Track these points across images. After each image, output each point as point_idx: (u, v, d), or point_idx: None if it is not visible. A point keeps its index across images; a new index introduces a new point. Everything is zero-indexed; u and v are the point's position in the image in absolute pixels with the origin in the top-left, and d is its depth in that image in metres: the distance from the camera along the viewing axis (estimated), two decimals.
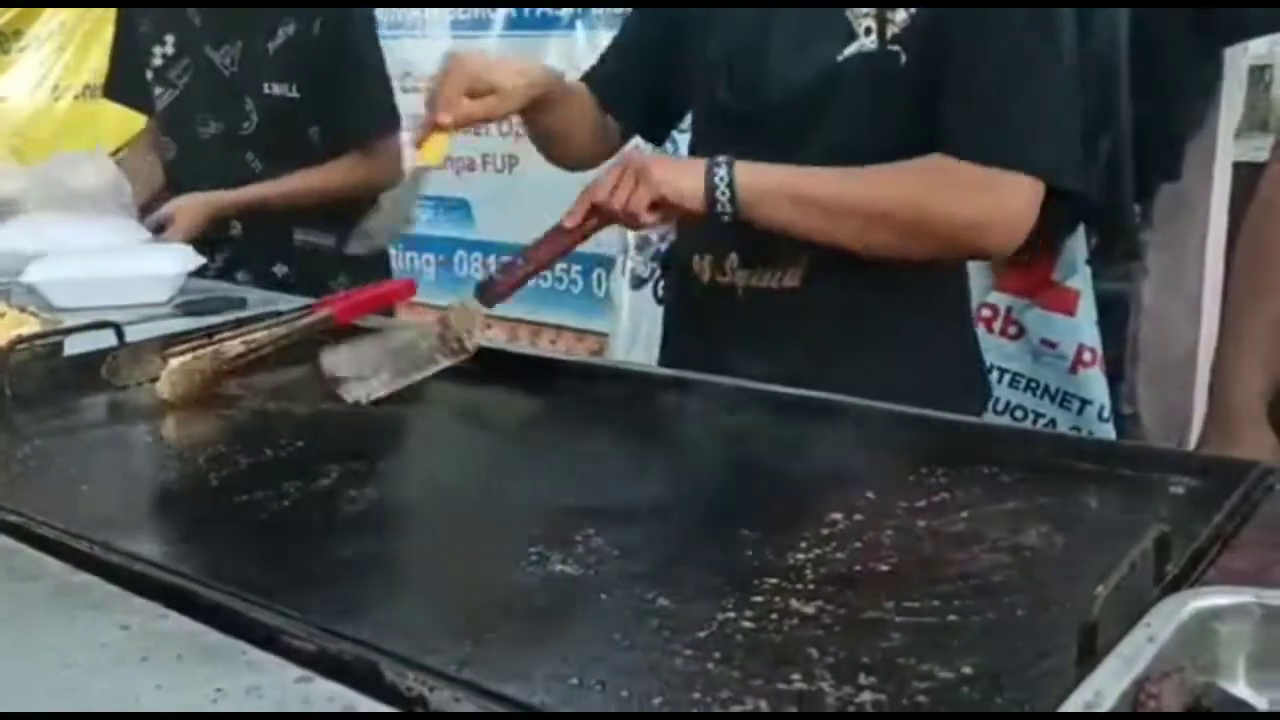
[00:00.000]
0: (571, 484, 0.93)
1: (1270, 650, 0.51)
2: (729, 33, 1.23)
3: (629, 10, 1.44)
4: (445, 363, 1.14)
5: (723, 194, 1.12)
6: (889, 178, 1.11)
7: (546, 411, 1.14)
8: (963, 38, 1.10)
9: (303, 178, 1.97)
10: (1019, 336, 1.88)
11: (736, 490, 0.90)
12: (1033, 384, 1.85)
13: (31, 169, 1.84)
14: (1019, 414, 1.87)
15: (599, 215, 1.15)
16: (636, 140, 1.47)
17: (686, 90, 1.33)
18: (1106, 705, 0.47)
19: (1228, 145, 1.71)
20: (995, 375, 1.82)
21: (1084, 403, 1.79)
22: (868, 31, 1.13)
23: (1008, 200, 1.10)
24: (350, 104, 1.98)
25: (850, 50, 1.13)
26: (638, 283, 2.52)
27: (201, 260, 1.63)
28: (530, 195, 2.74)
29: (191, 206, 1.91)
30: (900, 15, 1.12)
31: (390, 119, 2.03)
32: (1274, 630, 0.51)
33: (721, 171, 1.12)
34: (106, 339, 1.22)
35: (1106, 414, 1.77)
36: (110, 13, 3.70)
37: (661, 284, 2.53)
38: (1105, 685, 0.48)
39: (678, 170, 1.15)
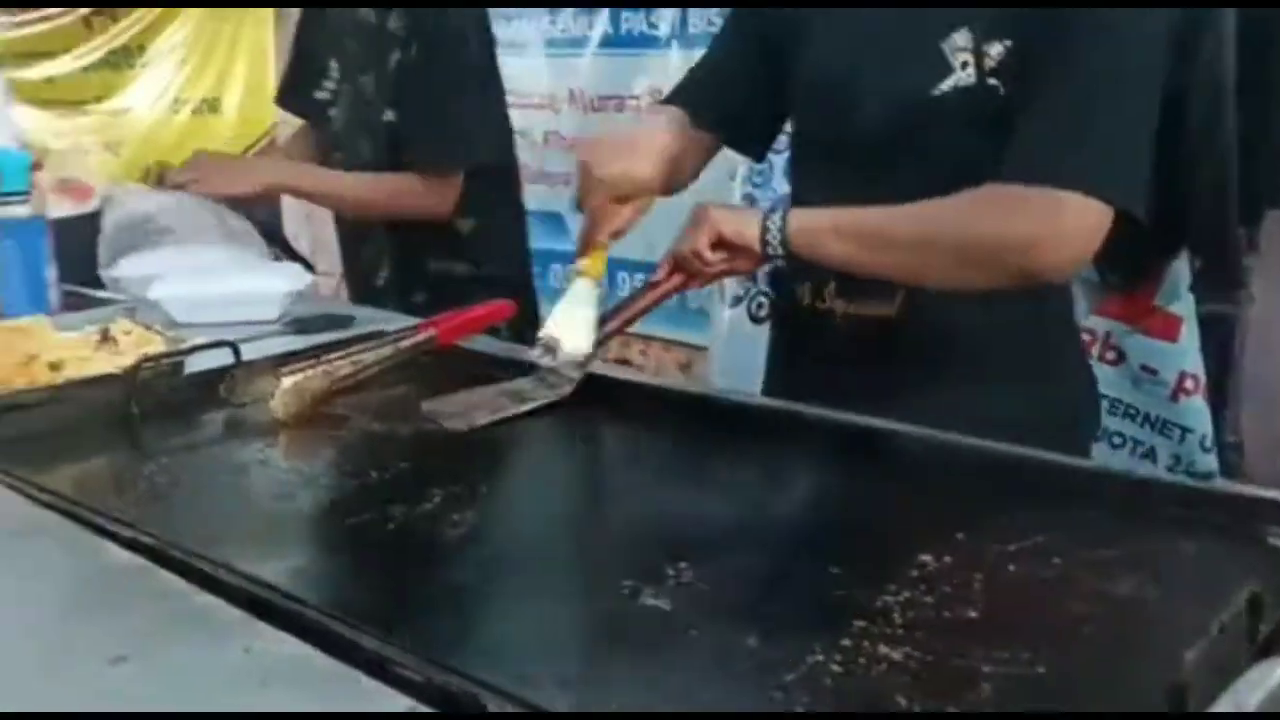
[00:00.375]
0: (667, 514, 0.96)
1: None
2: (821, 57, 1.24)
3: (723, 24, 1.45)
4: (543, 400, 1.18)
5: (773, 237, 1.15)
6: (936, 207, 1.11)
7: (647, 439, 1.17)
8: (1033, 60, 1.10)
9: (350, 181, 2.02)
10: (1119, 362, 1.85)
11: (828, 526, 0.91)
12: (1132, 410, 1.83)
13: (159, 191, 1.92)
14: (1117, 440, 1.85)
15: (680, 268, 1.20)
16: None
17: (780, 108, 1.35)
18: None
19: None
20: None
21: (1185, 431, 1.75)
22: (964, 65, 1.13)
23: (1056, 219, 1.06)
24: (422, 126, 1.97)
25: (946, 85, 1.13)
26: (734, 300, 2.54)
27: (310, 279, 1.69)
28: None
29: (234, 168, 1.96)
30: (997, 48, 1.11)
31: (457, 157, 1.97)
32: None
33: (776, 216, 1.16)
34: (224, 357, 1.28)
35: (1209, 443, 1.74)
36: (226, 30, 3.86)
37: (757, 303, 2.55)
38: None
39: (739, 214, 1.20)
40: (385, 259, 2.10)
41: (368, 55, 1.98)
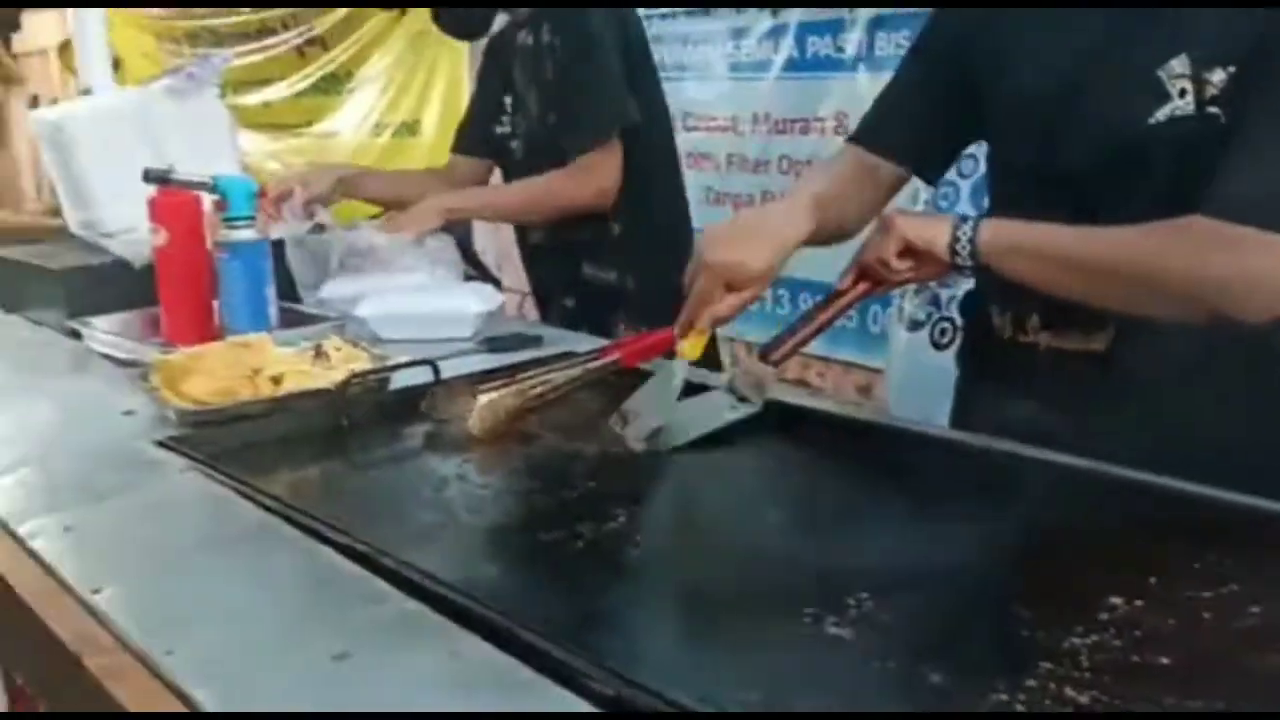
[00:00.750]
0: (849, 543, 0.97)
1: None
2: (1026, 82, 1.21)
3: (910, 51, 1.42)
4: (732, 416, 1.20)
5: (963, 246, 1.14)
6: (1133, 235, 1.07)
7: (831, 467, 1.18)
8: (1247, 89, 1.05)
9: (510, 189, 2.09)
10: None
11: (1014, 564, 0.90)
12: None
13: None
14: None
15: (866, 276, 1.20)
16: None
17: (966, 134, 1.34)
18: None
19: None
20: None
21: None
22: (1182, 93, 1.09)
23: (1256, 262, 1.02)
24: (566, 112, 1.99)
25: (1162, 113, 1.09)
26: (914, 324, 2.51)
27: (501, 299, 1.77)
28: None
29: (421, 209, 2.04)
30: (1219, 75, 1.07)
31: (602, 134, 1.96)
32: None
33: (967, 226, 1.14)
34: (425, 374, 1.36)
35: None
36: (425, 57, 4.06)
37: (940, 329, 2.51)
38: None
39: (926, 220, 1.18)
40: (545, 266, 2.17)
41: (531, 74, 2.05)
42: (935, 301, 2.41)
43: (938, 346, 2.50)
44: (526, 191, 2.07)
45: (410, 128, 4.22)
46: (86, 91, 2.42)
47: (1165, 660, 0.72)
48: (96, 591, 0.84)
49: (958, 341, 2.47)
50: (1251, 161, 1.03)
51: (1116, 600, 0.80)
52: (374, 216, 2.15)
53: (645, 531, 0.97)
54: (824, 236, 1.29)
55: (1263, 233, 1.01)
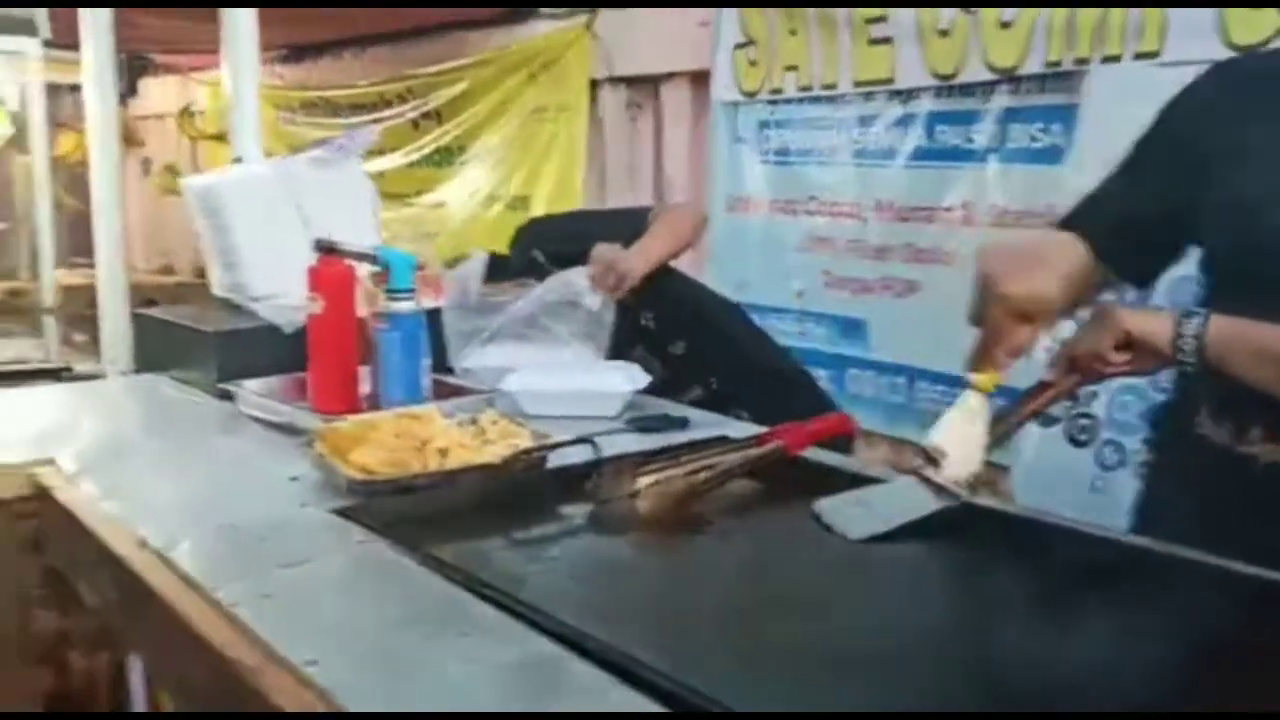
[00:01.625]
0: (1041, 650, 0.94)
1: None
2: (1243, 186, 1.16)
3: (1130, 153, 1.33)
4: (935, 507, 1.17)
5: (1188, 342, 1.10)
6: None
7: (1026, 572, 1.13)
8: None
9: None
10: None
11: (1218, 681, 0.85)
12: None
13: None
14: None
15: (1076, 368, 1.17)
16: None
17: (1180, 237, 1.28)
18: None
19: None
20: None
21: None
22: None
23: None
24: None
25: None
26: (1047, 420, 2.45)
27: (649, 379, 1.77)
28: (927, 319, 2.78)
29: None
30: None
31: None
32: None
33: (1194, 320, 1.11)
34: (582, 453, 1.36)
35: None
36: (544, 131, 4.13)
37: (1079, 425, 2.45)
38: None
39: (1147, 313, 1.16)
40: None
41: None
42: (1075, 397, 2.35)
43: (1076, 443, 2.44)
44: None
45: (521, 201, 4.28)
46: (238, 160, 2.50)
47: None
48: (311, 664, 0.83)
49: (1099, 440, 2.42)
50: None
51: None
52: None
53: (857, 628, 0.95)
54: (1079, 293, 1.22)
55: None
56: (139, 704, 1.53)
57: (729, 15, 3.35)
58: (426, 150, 4.76)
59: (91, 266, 3.19)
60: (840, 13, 2.99)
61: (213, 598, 0.98)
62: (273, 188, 2.09)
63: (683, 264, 2.18)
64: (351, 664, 0.85)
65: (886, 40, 2.90)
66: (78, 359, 3.89)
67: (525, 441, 1.39)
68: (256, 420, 1.69)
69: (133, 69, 6.31)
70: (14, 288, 4.68)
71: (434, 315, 1.91)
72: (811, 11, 3.08)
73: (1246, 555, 1.04)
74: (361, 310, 1.72)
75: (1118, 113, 2.17)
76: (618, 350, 1.98)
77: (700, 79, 3.57)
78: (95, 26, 2.99)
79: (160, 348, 2.09)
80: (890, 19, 2.87)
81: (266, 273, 2.00)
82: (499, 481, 1.29)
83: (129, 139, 6.41)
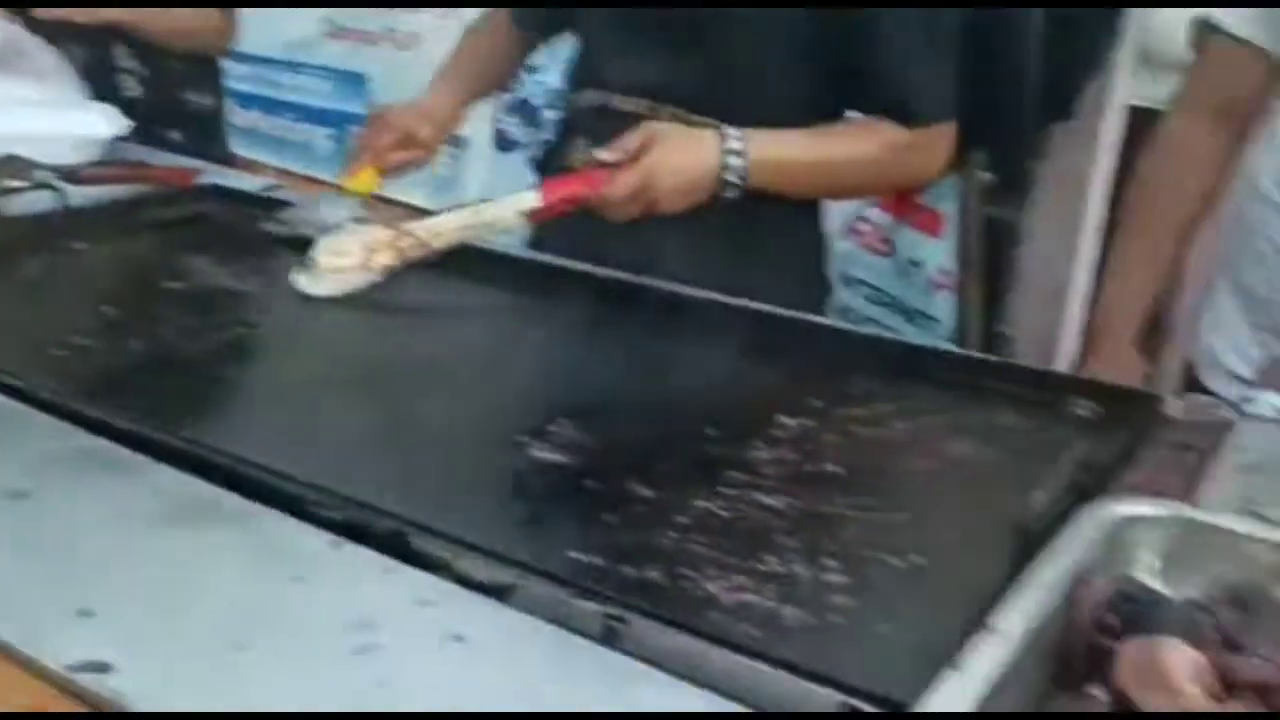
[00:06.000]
0: (533, 379, 1.00)
1: (1179, 555, 0.61)
2: None
3: None
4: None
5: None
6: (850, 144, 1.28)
7: (498, 306, 1.17)
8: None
9: None
10: (889, 253, 1.95)
11: (695, 393, 0.96)
12: (891, 299, 1.94)
13: None
14: (871, 328, 1.96)
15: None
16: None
17: None
18: (1051, 590, 0.56)
19: (1120, 88, 1.82)
20: (859, 289, 1.92)
21: (933, 321, 1.88)
22: None
23: (942, 150, 1.29)
24: None
25: None
26: (507, 144, 2.43)
27: (128, 124, 1.57)
28: (430, 72, 2.68)
29: None
30: None
31: None
32: (1183, 537, 0.62)
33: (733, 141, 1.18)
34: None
35: (953, 334, 1.86)
36: None
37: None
38: (1048, 573, 0.58)
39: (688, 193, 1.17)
40: None
41: None
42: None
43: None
44: None
45: None
46: None
47: (834, 469, 0.82)
48: None
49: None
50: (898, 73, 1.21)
51: (787, 420, 0.88)
52: None
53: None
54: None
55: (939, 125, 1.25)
56: None
57: None
58: None
59: None
60: None
61: None
62: None
63: None
64: None
65: None
66: None
67: None
68: None
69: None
70: None
71: None
72: None
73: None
74: None
75: None
76: None
77: None
78: None
79: None
80: None
81: None
82: None
83: None
